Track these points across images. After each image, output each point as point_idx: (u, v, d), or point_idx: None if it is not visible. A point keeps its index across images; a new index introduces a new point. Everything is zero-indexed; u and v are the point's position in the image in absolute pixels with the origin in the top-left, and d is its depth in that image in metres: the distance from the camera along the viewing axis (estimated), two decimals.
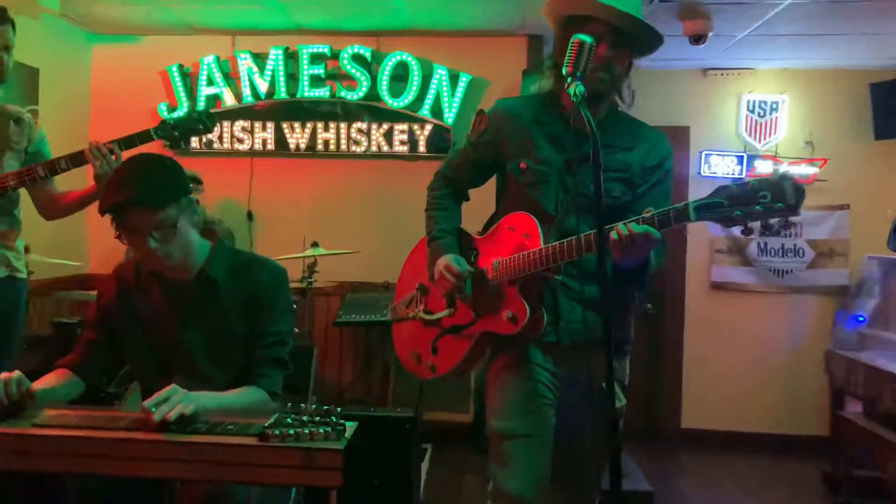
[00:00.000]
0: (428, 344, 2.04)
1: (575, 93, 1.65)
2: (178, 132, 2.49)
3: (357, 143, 4.49)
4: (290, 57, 4.48)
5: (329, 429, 1.49)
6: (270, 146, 4.55)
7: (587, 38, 1.68)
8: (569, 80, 1.68)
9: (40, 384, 1.79)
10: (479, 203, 2.28)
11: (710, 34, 3.97)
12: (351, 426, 1.57)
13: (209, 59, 4.49)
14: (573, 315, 1.88)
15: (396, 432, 3.00)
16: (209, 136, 2.53)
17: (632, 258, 1.69)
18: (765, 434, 4.93)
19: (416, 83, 4.38)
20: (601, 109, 1.91)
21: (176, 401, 1.55)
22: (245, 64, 4.47)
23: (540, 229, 1.82)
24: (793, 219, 1.49)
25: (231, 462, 1.44)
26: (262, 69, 4.46)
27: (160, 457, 1.44)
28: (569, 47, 1.69)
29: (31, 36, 4.01)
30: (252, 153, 4.59)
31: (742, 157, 5.02)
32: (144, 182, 1.78)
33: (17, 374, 1.60)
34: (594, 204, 1.78)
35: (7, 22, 2.41)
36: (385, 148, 4.47)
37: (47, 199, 2.59)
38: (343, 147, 4.50)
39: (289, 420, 1.49)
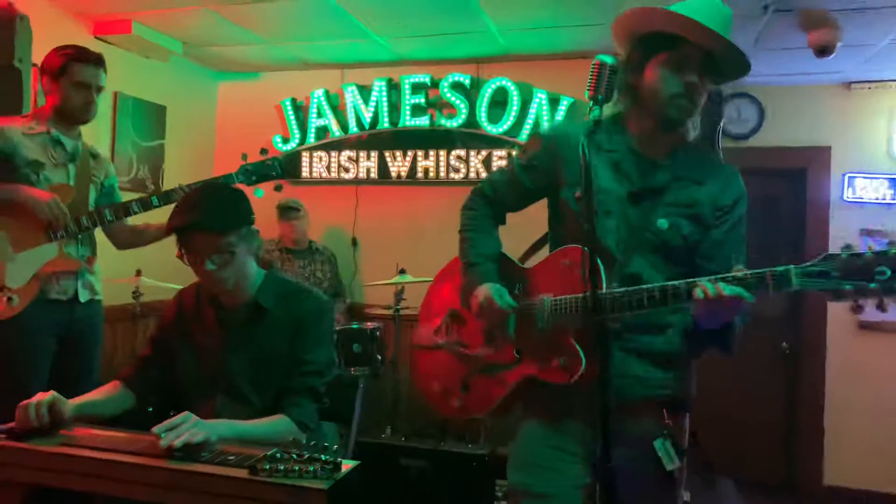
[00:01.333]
0: (458, 380, 1.89)
1: (591, 118, 1.54)
2: (255, 176, 2.82)
3: (456, 170, 4.51)
4: (393, 87, 4.62)
5: (319, 467, 1.47)
6: (374, 175, 4.70)
7: (608, 59, 1.56)
8: (591, 104, 1.58)
9: (91, 397, 1.93)
10: (521, 227, 2.11)
11: (839, 45, 3.59)
12: (350, 464, 1.54)
13: (319, 92, 4.73)
14: (626, 369, 1.68)
15: (466, 469, 2.93)
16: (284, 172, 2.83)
17: (715, 320, 1.51)
18: None
19: (515, 108, 4.35)
20: (671, 135, 1.72)
21: (185, 428, 1.59)
22: (351, 96, 4.66)
23: (602, 270, 1.61)
24: None
25: (220, 493, 1.46)
26: (366, 100, 4.63)
27: (155, 483, 1.49)
28: (590, 68, 1.58)
29: (159, 77, 4.43)
30: (357, 181, 4.76)
31: (894, 179, 4.48)
32: (209, 208, 1.88)
33: (50, 395, 1.72)
34: (662, 243, 1.69)
35: (102, 66, 2.68)
36: (484, 174, 4.44)
37: (123, 230, 2.85)
38: (442, 174, 4.54)
39: (279, 455, 1.49)
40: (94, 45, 3.86)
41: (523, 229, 2.06)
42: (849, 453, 4.49)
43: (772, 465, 4.71)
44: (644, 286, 1.57)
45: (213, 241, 1.86)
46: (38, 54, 2.81)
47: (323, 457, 1.48)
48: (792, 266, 1.38)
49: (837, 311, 4.56)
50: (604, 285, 1.61)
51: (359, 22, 3.84)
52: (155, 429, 1.58)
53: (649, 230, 1.69)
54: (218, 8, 3.69)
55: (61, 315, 2.67)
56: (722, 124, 3.66)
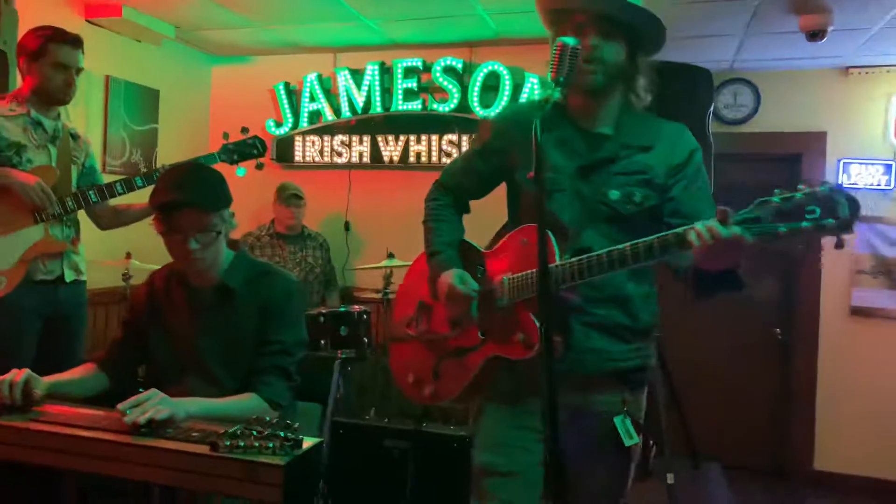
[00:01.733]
0: (429, 368, 1.93)
1: (550, 99, 1.56)
2: (237, 155, 2.88)
3: (448, 154, 4.52)
4: (386, 72, 4.62)
5: (278, 443, 1.50)
6: (366, 159, 4.72)
7: (570, 41, 1.58)
8: (552, 84, 1.60)
9: (65, 376, 1.97)
10: (486, 215, 2.14)
11: (831, 28, 3.57)
12: (311, 442, 1.57)
13: (312, 76, 4.74)
14: (587, 342, 1.72)
15: (447, 449, 2.96)
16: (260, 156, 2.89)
17: (717, 263, 1.51)
18: None
19: (506, 93, 4.34)
20: (605, 105, 1.77)
21: (150, 405, 1.61)
22: (344, 80, 4.66)
23: (556, 244, 1.67)
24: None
25: (180, 468, 1.49)
26: (359, 85, 4.63)
27: (119, 458, 1.52)
28: (552, 50, 1.60)
29: (152, 61, 4.45)
30: (350, 166, 4.78)
31: (890, 165, 4.47)
32: (198, 186, 1.90)
33: (25, 373, 1.75)
34: (614, 213, 1.72)
35: (80, 46, 2.70)
36: None
37: (106, 211, 2.89)
38: (434, 159, 4.55)
39: (240, 432, 1.51)
40: (86, 29, 3.90)
41: (490, 217, 2.08)
42: (839, 439, 4.51)
43: (762, 451, 4.74)
44: (593, 253, 1.60)
45: (201, 219, 1.88)
46: None
47: (282, 433, 1.51)
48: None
49: (830, 297, 4.57)
50: (556, 258, 1.66)
51: (348, 5, 3.84)
52: (120, 406, 1.61)
53: (601, 202, 1.73)
54: None
55: (47, 296, 2.70)
56: (712, 109, 3.64)
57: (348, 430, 3.00)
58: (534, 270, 1.66)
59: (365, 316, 3.52)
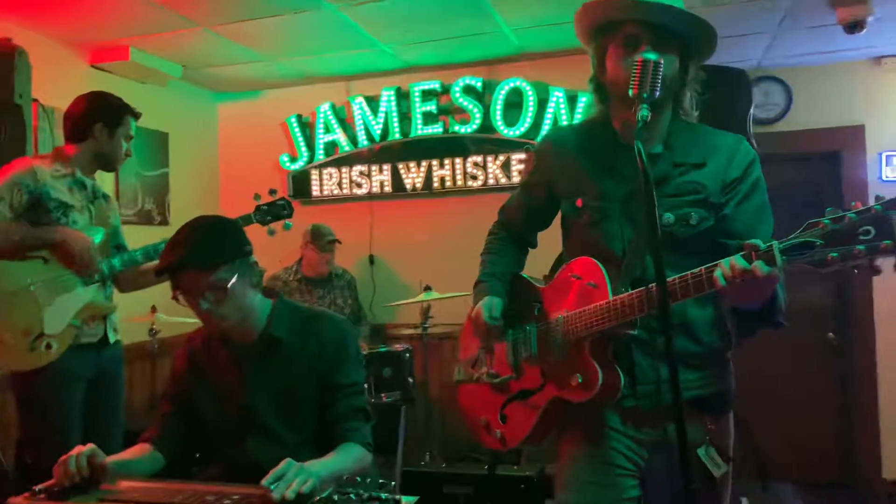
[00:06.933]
0: (496, 411, 1.93)
1: (639, 118, 1.53)
2: (269, 216, 3.03)
3: (473, 177, 4.50)
4: (403, 96, 4.61)
5: None
6: (388, 188, 4.70)
7: (651, 56, 1.57)
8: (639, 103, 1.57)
9: (123, 456, 1.90)
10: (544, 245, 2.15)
11: (870, 19, 3.57)
12: (409, 501, 1.53)
13: (325, 106, 4.73)
14: (655, 374, 1.70)
15: (514, 492, 2.90)
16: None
17: (748, 298, 1.50)
18: None
19: (531, 109, 4.34)
20: (655, 122, 1.70)
21: (292, 476, 1.56)
22: (359, 108, 4.66)
23: (607, 277, 1.66)
24: None
25: None
26: (375, 111, 4.63)
27: None
28: (632, 67, 1.58)
29: (158, 103, 4.44)
30: (371, 196, 4.76)
31: None
32: (197, 244, 1.84)
33: (90, 447, 1.70)
34: (669, 237, 1.67)
35: (135, 116, 2.82)
36: (503, 180, 4.43)
37: (129, 273, 2.86)
38: (459, 183, 4.53)
39: (336, 497, 1.47)
40: (90, 74, 3.91)
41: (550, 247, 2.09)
42: None
43: (826, 462, 4.66)
44: (648, 285, 1.56)
45: (203, 278, 1.81)
46: (35, 88, 2.84)
47: (382, 495, 1.47)
48: (775, 241, 1.38)
49: (884, 294, 4.52)
50: (609, 293, 1.65)
51: (364, 31, 3.85)
52: (263, 481, 1.55)
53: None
54: (217, 28, 3.70)
55: (90, 358, 2.72)
56: (752, 111, 3.63)
57: (406, 477, 2.93)
58: (588, 308, 1.68)
59: (408, 355, 3.46)
